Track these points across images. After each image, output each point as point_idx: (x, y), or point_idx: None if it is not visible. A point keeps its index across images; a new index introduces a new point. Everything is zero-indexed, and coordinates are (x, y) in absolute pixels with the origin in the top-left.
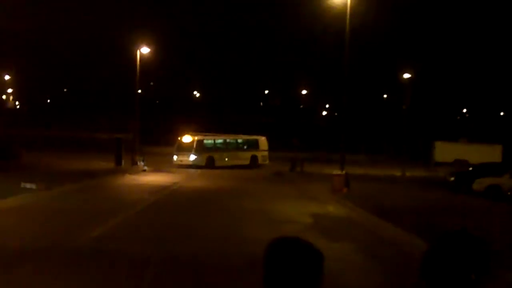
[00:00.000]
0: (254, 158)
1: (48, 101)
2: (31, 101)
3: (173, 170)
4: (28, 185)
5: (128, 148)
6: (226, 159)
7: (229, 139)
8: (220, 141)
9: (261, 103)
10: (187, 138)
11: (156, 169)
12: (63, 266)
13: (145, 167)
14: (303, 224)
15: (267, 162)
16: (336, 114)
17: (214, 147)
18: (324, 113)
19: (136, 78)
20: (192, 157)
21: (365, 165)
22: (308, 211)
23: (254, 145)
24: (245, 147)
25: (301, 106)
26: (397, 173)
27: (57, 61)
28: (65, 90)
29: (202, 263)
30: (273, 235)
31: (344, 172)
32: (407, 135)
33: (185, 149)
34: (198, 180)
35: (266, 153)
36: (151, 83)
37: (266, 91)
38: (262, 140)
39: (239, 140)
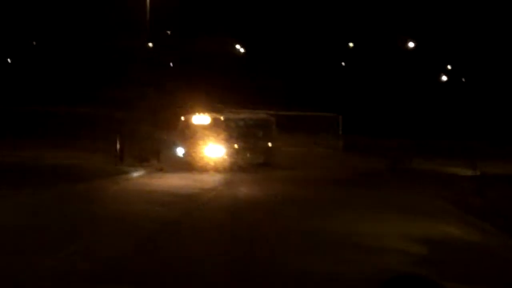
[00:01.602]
0: (268, 152)
1: (9, 60)
2: None
3: (204, 170)
4: None
5: (133, 135)
6: (248, 154)
7: (241, 118)
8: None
9: (343, 63)
10: (203, 119)
11: (178, 168)
12: None
13: (160, 166)
14: (410, 256)
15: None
16: (463, 80)
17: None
18: (444, 78)
19: (146, 23)
20: (220, 150)
21: (505, 159)
22: (416, 235)
23: (267, 129)
24: (260, 133)
25: (407, 67)
26: None
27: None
28: (34, 43)
29: None
30: (359, 270)
31: (477, 172)
32: None
33: (203, 136)
34: (243, 186)
35: (276, 143)
36: (168, 32)
37: (351, 44)
38: (273, 121)
39: (250, 121)
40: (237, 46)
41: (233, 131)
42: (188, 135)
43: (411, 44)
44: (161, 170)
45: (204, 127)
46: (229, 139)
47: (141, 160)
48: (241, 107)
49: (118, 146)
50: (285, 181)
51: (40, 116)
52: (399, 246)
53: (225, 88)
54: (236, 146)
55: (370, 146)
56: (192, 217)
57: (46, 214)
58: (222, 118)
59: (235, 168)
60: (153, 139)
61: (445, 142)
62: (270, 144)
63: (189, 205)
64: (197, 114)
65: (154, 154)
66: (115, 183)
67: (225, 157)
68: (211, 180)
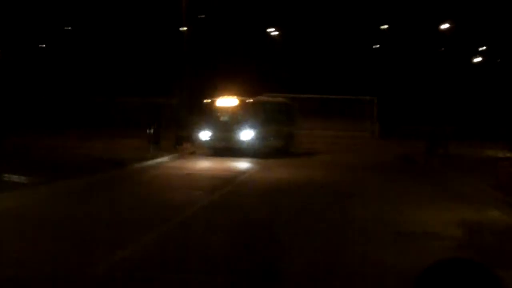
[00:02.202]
0: (289, 138)
1: (43, 45)
2: (15, 48)
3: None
4: (14, 178)
5: (171, 120)
6: (272, 138)
7: (263, 102)
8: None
9: (378, 45)
10: (230, 101)
11: (208, 151)
12: None
13: (193, 148)
14: (451, 240)
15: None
16: (498, 60)
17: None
18: (478, 59)
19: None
20: (249, 134)
21: None
22: (457, 219)
23: (288, 113)
24: (282, 118)
25: (442, 49)
26: None
27: None
28: (68, 28)
29: None
30: (404, 258)
31: None
32: None
33: (231, 121)
34: (275, 169)
35: (297, 127)
36: (203, 16)
37: (385, 26)
38: (293, 106)
39: (272, 106)
40: (271, 29)
41: (257, 115)
42: (213, 118)
43: (446, 25)
44: (193, 153)
45: (228, 110)
46: (254, 123)
47: (176, 144)
48: (273, 91)
49: (153, 131)
50: (320, 166)
51: (78, 105)
52: (443, 231)
53: (258, 73)
54: (261, 130)
55: (405, 131)
56: (225, 199)
57: (96, 200)
58: (247, 101)
59: (262, 152)
60: (188, 124)
61: (482, 125)
62: (291, 129)
63: (222, 187)
64: (221, 97)
65: (188, 138)
66: (150, 167)
67: (251, 141)
68: (240, 164)
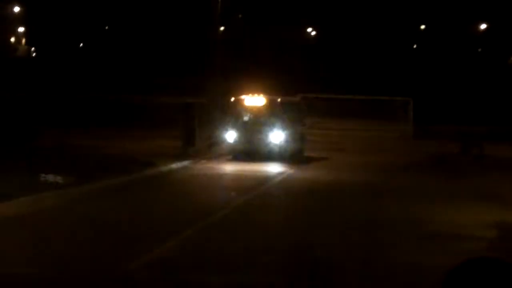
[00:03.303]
0: (303, 138)
1: (81, 45)
2: (53, 47)
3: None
4: (50, 178)
5: (204, 120)
6: (295, 141)
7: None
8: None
9: (415, 45)
10: (258, 100)
11: (242, 153)
12: None
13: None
14: (483, 241)
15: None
16: None
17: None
18: None
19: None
20: (279, 135)
21: None
22: (489, 220)
23: (301, 113)
24: (298, 118)
25: (479, 50)
26: None
27: None
28: (106, 28)
29: None
30: (435, 258)
31: None
32: None
33: (260, 122)
34: (309, 171)
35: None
36: (240, 15)
37: (423, 26)
38: (304, 105)
39: (289, 105)
40: (309, 29)
41: (284, 116)
42: (241, 118)
43: (483, 26)
44: (226, 155)
45: (257, 110)
46: (283, 124)
47: (210, 145)
48: (305, 91)
49: (188, 132)
50: (352, 167)
51: (111, 104)
52: (476, 233)
53: (293, 72)
54: (289, 131)
55: (441, 132)
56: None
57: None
58: (276, 101)
59: (289, 155)
60: (220, 124)
61: None
62: (304, 130)
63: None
64: (248, 95)
65: (219, 139)
66: (188, 168)
67: (281, 143)
68: (273, 166)
